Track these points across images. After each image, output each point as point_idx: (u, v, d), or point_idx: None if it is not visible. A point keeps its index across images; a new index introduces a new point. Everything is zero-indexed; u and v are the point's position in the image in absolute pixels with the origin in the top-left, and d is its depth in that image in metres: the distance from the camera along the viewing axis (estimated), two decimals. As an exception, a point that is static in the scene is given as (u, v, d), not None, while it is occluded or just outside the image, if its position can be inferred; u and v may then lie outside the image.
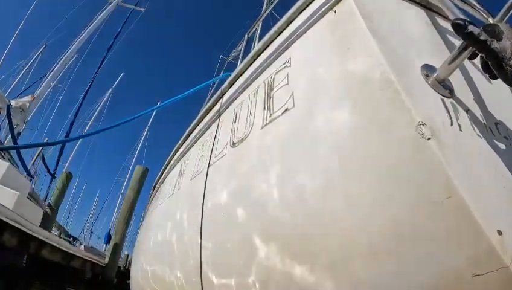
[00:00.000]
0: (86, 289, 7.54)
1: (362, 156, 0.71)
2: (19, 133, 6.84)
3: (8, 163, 5.05)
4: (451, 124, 0.67)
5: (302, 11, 1.09)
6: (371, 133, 0.71)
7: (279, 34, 1.22)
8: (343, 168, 0.74)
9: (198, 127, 1.88)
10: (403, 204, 0.63)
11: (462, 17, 0.82)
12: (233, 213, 1.06)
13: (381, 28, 0.80)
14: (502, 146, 0.72)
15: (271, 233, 0.89)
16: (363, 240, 0.67)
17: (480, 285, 0.54)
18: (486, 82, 0.87)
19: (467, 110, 0.74)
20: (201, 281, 1.16)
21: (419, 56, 0.78)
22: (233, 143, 1.20)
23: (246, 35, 3.17)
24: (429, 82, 0.73)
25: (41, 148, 10.66)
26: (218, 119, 1.54)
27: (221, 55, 9.04)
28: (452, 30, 0.68)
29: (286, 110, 0.96)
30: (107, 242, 12.97)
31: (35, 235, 4.02)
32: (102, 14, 9.65)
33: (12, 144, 6.37)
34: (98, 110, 19.99)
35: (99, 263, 8.92)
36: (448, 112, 0.69)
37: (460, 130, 0.68)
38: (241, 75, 1.45)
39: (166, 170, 2.51)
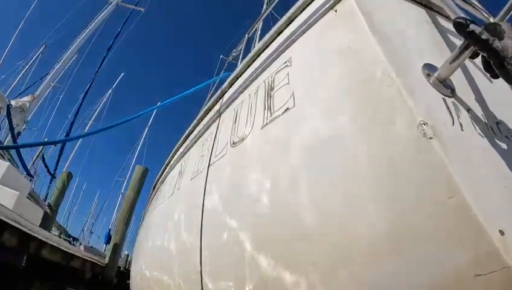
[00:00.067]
0: (86, 289, 7.54)
1: (363, 155, 0.71)
2: (19, 133, 6.84)
3: (8, 163, 5.05)
4: (453, 124, 0.67)
5: (303, 10, 1.09)
6: (371, 132, 0.70)
7: (280, 33, 1.21)
8: (344, 168, 0.73)
9: (198, 127, 1.88)
10: (404, 204, 0.63)
11: (463, 16, 0.82)
12: (234, 213, 1.05)
13: (382, 28, 0.79)
14: (504, 146, 0.72)
15: (271, 233, 0.88)
16: (364, 240, 0.67)
17: (482, 285, 0.53)
18: (488, 81, 0.87)
19: (468, 110, 0.74)
20: (201, 281, 1.16)
21: (421, 55, 0.78)
22: (234, 143, 1.20)
23: (246, 35, 3.17)
24: (430, 81, 0.73)
25: (41, 148, 10.67)
26: (218, 119, 1.54)
27: (221, 55, 9.04)
28: (453, 29, 0.68)
29: (287, 109, 0.95)
30: (107, 242, 12.98)
31: (35, 235, 4.02)
32: (102, 14, 9.66)
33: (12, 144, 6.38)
34: (98, 110, 20.03)
35: (99, 263, 8.92)
36: (450, 112, 0.69)
37: (462, 129, 0.68)
38: (241, 74, 1.45)
39: (166, 170, 2.51)
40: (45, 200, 10.14)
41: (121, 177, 23.97)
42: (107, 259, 9.92)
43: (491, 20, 0.82)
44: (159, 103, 2.67)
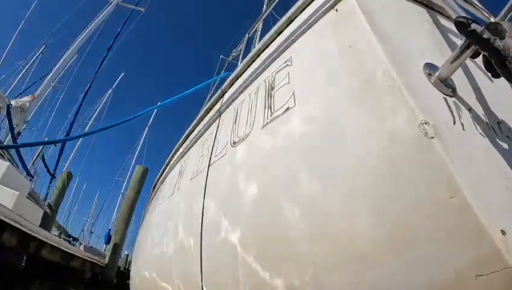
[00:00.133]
0: (86, 289, 7.53)
1: (363, 155, 0.70)
2: (19, 133, 6.84)
3: (8, 163, 5.05)
4: (454, 123, 0.67)
5: (304, 9, 1.09)
6: (372, 132, 0.70)
7: (280, 33, 1.21)
8: (344, 167, 0.73)
9: (199, 127, 1.88)
10: (404, 204, 0.62)
11: (465, 15, 0.82)
12: (234, 213, 1.05)
13: (383, 27, 0.79)
14: (505, 145, 0.72)
15: (272, 232, 0.88)
16: (364, 240, 0.67)
17: (484, 286, 0.53)
18: (489, 81, 0.87)
19: (470, 109, 0.74)
20: (202, 280, 1.15)
21: (422, 55, 0.77)
22: (234, 142, 1.20)
23: (247, 35, 3.17)
24: (431, 81, 0.72)
25: (41, 147, 10.67)
26: (218, 119, 1.54)
27: (221, 55, 9.06)
28: (454, 29, 0.68)
29: (287, 109, 0.95)
30: (107, 242, 12.98)
31: (35, 235, 4.02)
32: (102, 14, 9.66)
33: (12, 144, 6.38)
34: (98, 110, 20.02)
35: (99, 263, 8.92)
36: (451, 111, 0.69)
37: (463, 129, 0.68)
38: (241, 74, 1.45)
39: (166, 170, 2.51)
40: (45, 200, 10.14)
41: (121, 177, 23.98)
42: (107, 259, 9.92)
43: (492, 19, 0.82)
44: (159, 103, 2.67)
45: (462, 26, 0.64)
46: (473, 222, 0.54)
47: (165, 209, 2.03)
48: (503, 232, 0.53)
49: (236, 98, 1.41)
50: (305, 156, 0.84)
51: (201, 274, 1.16)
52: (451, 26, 0.87)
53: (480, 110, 0.76)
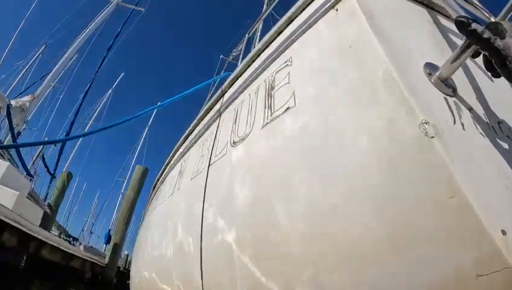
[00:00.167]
0: (86, 289, 7.53)
1: (364, 154, 0.70)
2: (19, 133, 6.84)
3: (8, 163, 5.05)
4: (454, 123, 0.67)
5: (304, 9, 1.09)
6: (373, 131, 0.70)
7: (280, 33, 1.21)
8: (344, 167, 0.73)
9: (199, 127, 1.88)
10: (404, 204, 0.62)
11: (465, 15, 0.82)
12: (234, 212, 1.05)
13: (383, 27, 0.79)
14: (505, 145, 0.71)
15: (272, 232, 0.88)
16: (364, 240, 0.67)
17: (484, 286, 0.53)
18: (489, 81, 0.87)
19: (470, 109, 0.74)
20: (202, 280, 1.15)
21: (422, 55, 0.77)
22: (234, 142, 1.20)
23: (247, 35, 3.17)
24: (432, 81, 0.72)
25: (41, 147, 10.67)
26: (218, 119, 1.54)
27: (221, 55, 9.06)
28: (454, 29, 0.68)
29: (287, 108, 0.95)
30: (107, 242, 12.98)
31: (35, 235, 4.02)
32: (102, 14, 9.65)
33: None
34: (98, 110, 20.01)
35: (99, 263, 8.92)
36: (451, 111, 0.69)
37: (464, 128, 0.68)
38: (241, 74, 1.45)
39: (166, 170, 2.51)
40: (45, 200, 10.14)
41: (121, 177, 23.95)
42: (107, 259, 9.92)
43: (493, 19, 0.82)
44: (159, 103, 2.67)
45: (462, 25, 0.64)
46: (473, 222, 0.54)
47: (165, 209, 2.03)
48: (503, 232, 0.53)
49: (236, 98, 1.41)
50: (305, 155, 0.84)
51: (202, 274, 1.16)
52: (452, 26, 0.87)
53: (480, 110, 0.76)
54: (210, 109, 1.74)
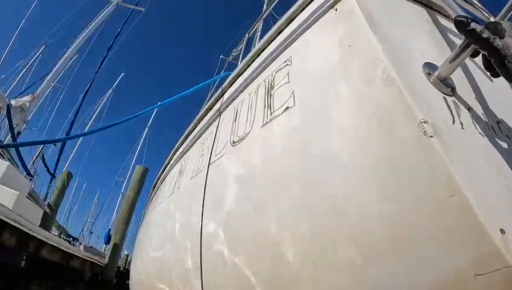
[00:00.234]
0: (86, 289, 7.53)
1: (363, 154, 0.70)
2: (19, 133, 6.83)
3: (7, 162, 5.05)
4: (453, 122, 0.67)
5: (303, 9, 1.09)
6: (372, 131, 0.70)
7: (280, 32, 1.21)
8: (344, 167, 0.73)
9: (199, 126, 1.88)
10: (404, 203, 0.62)
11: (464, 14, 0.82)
12: (234, 212, 1.05)
13: (382, 26, 0.79)
14: (504, 145, 0.72)
15: (272, 232, 0.88)
16: (364, 240, 0.67)
17: (483, 285, 0.53)
18: (488, 80, 0.87)
19: (469, 109, 0.74)
20: (202, 280, 1.15)
21: (421, 54, 0.78)
22: (234, 142, 1.20)
23: (247, 35, 3.17)
24: (431, 80, 0.73)
25: (41, 147, 10.66)
26: (218, 118, 1.54)
27: (221, 55, 9.06)
28: (454, 28, 0.68)
29: (287, 108, 0.95)
30: (107, 242, 12.97)
31: (35, 235, 4.02)
32: (102, 14, 9.65)
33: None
34: (98, 110, 20.02)
35: (98, 263, 8.91)
36: (450, 110, 0.69)
37: (463, 128, 0.68)
38: (241, 73, 1.45)
39: (167, 169, 2.51)
40: (45, 200, 10.14)
41: (121, 177, 23.94)
42: (106, 259, 9.90)
43: (492, 19, 0.82)
44: (159, 103, 2.67)
45: (461, 25, 0.64)
46: (472, 221, 0.54)
47: (165, 209, 2.03)
48: (502, 232, 0.53)
49: (236, 98, 1.41)
50: (304, 155, 0.84)
51: (201, 274, 1.16)
52: (451, 25, 0.87)
53: (479, 110, 0.76)
54: (210, 108, 1.74)
